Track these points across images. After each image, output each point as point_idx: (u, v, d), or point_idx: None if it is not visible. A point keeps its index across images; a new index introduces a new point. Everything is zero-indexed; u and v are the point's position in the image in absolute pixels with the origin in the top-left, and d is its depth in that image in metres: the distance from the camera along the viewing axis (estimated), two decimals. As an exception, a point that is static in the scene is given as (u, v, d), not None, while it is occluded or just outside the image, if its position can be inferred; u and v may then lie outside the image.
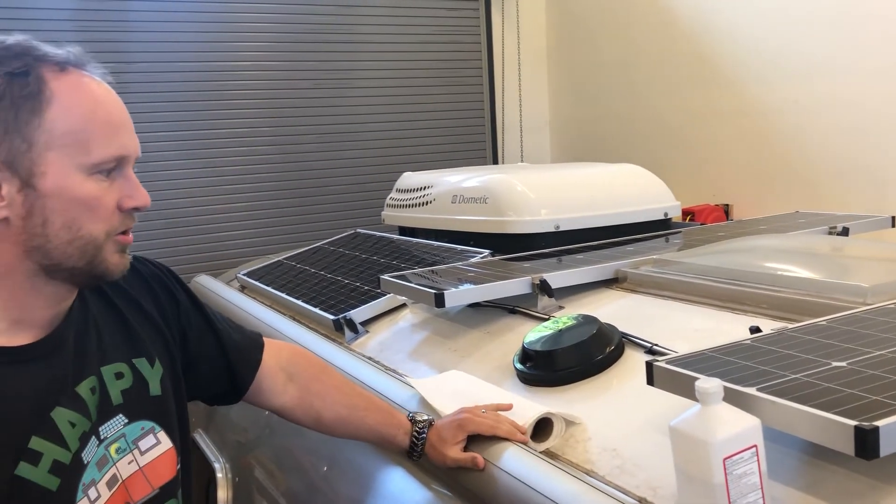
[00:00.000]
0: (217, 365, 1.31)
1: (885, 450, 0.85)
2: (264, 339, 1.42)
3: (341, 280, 2.39)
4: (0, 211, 0.97)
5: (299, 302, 2.28)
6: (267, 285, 2.59)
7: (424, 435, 1.35)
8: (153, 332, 1.20)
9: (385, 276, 1.99)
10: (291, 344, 1.52)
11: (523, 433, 1.27)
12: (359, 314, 2.04)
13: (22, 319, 1.02)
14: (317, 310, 2.16)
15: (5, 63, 0.98)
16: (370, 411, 1.41)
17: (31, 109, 0.97)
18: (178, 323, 1.26)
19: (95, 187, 1.01)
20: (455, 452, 1.29)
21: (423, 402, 1.48)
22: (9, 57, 0.99)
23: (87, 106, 1.01)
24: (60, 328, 1.06)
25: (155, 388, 1.16)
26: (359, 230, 3.07)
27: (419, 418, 1.38)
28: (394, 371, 1.76)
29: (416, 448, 1.36)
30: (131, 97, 1.12)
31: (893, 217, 2.40)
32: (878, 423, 0.86)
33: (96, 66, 1.05)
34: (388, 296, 2.06)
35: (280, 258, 2.95)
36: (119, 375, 1.11)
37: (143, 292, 1.21)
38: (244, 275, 2.82)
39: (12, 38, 1.01)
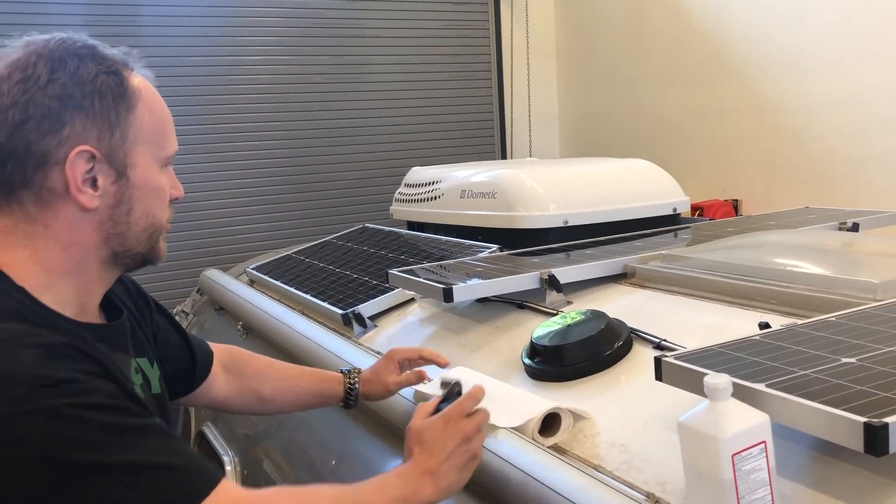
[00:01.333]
0: (182, 362, 1.37)
1: (894, 446, 0.85)
2: None
3: (350, 274, 2.40)
4: (94, 201, 1.02)
5: (308, 296, 2.29)
6: (275, 279, 2.60)
7: (356, 379, 1.50)
8: (142, 335, 1.24)
9: (393, 271, 1.99)
10: (222, 344, 1.59)
11: (446, 362, 1.48)
12: (367, 308, 2.05)
13: (85, 305, 1.08)
14: (325, 304, 2.16)
15: (95, 61, 1.03)
16: (303, 377, 1.53)
17: (127, 107, 1.04)
18: (151, 326, 1.30)
19: (164, 178, 1.11)
20: (395, 377, 1.48)
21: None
22: (96, 56, 1.04)
23: (159, 104, 1.11)
24: (123, 317, 1.15)
25: (156, 387, 1.20)
26: (367, 225, 3.08)
27: (348, 369, 1.53)
28: (402, 365, 1.76)
29: (352, 394, 1.49)
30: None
31: (904, 213, 2.38)
32: (888, 419, 0.85)
33: (143, 65, 1.11)
34: (397, 290, 2.07)
35: (289, 252, 2.96)
36: (137, 370, 1.16)
37: (128, 298, 1.25)
38: (253, 269, 2.83)
39: (73, 37, 1.05)
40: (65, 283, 1.03)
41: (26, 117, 0.98)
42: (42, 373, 0.87)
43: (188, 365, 1.38)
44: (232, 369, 1.48)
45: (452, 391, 1.20)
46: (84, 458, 0.85)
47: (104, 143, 1.02)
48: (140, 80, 1.08)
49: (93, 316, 1.09)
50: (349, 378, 1.50)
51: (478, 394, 1.18)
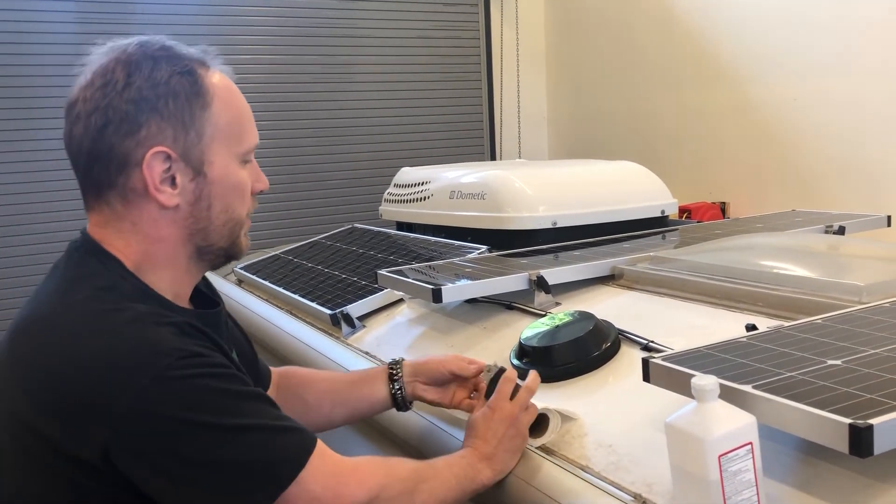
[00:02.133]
0: (251, 375, 1.33)
1: (879, 448, 0.86)
2: None
3: (338, 275, 2.39)
4: (174, 198, 1.07)
5: (296, 296, 2.28)
6: (264, 279, 2.59)
7: (399, 368, 1.40)
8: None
9: (382, 272, 1.99)
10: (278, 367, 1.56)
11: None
12: (356, 309, 2.04)
13: (178, 294, 1.13)
14: (314, 304, 2.16)
15: (169, 62, 1.07)
16: (345, 378, 1.47)
17: (201, 105, 1.08)
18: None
19: (244, 173, 1.14)
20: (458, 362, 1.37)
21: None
22: (170, 57, 1.07)
23: (237, 100, 1.14)
24: (221, 306, 1.22)
25: None
26: (356, 225, 3.07)
27: (394, 360, 1.43)
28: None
29: (395, 379, 1.39)
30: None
31: (889, 216, 2.40)
32: (873, 421, 0.86)
33: (221, 62, 1.14)
34: (385, 291, 2.06)
35: (277, 252, 2.95)
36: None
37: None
38: (241, 269, 2.82)
39: (152, 40, 1.09)
40: (158, 274, 1.09)
41: (106, 121, 1.04)
42: (179, 346, 0.96)
43: (253, 378, 1.33)
44: (281, 386, 1.44)
45: (493, 378, 1.31)
46: (220, 420, 0.95)
47: (179, 143, 1.06)
48: (218, 76, 1.12)
49: (185, 305, 1.14)
50: (392, 368, 1.40)
51: (511, 375, 1.27)
